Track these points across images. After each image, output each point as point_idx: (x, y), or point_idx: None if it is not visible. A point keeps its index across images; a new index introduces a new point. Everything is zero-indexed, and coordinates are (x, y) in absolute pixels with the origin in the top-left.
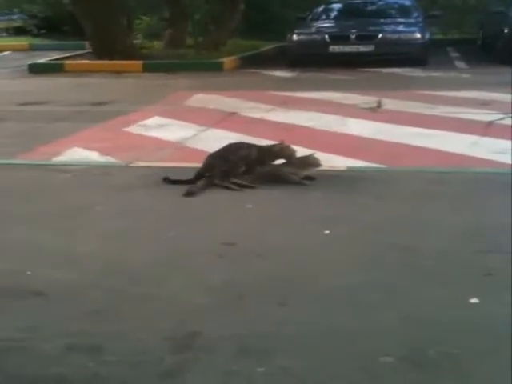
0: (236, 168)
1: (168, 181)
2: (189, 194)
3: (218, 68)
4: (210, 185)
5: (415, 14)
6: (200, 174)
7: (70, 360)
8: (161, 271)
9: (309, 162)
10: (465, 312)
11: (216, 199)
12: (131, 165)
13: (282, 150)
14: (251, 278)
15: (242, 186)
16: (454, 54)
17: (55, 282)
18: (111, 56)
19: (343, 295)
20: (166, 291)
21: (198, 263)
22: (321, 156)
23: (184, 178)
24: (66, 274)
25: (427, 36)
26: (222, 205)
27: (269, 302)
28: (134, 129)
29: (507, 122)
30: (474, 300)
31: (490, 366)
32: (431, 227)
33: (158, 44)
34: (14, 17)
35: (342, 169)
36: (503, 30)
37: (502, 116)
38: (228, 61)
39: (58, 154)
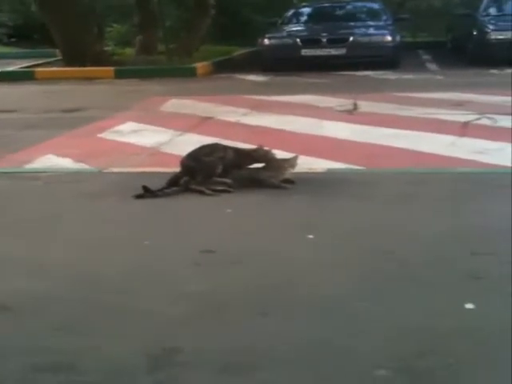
0: (213, 170)
1: (147, 191)
2: (140, 196)
3: (191, 73)
4: (186, 189)
5: (384, 17)
6: (176, 179)
7: (36, 381)
8: (135, 281)
9: (286, 164)
10: (458, 318)
11: (194, 204)
12: (105, 171)
13: (259, 154)
14: (231, 286)
15: (219, 191)
16: (425, 57)
17: (22, 295)
18: (82, 63)
19: (329, 303)
20: (141, 303)
21: (175, 272)
22: (299, 159)
23: (159, 182)
24: (33, 286)
25: (398, 39)
26: (200, 210)
27: (250, 313)
28: (107, 135)
29: (483, 122)
30: (468, 305)
31: (489, 375)
32: (415, 230)
33: (129, 51)
34: None
35: (321, 171)
36: (472, 33)
37: (477, 116)
38: (201, 66)
39: (28, 161)
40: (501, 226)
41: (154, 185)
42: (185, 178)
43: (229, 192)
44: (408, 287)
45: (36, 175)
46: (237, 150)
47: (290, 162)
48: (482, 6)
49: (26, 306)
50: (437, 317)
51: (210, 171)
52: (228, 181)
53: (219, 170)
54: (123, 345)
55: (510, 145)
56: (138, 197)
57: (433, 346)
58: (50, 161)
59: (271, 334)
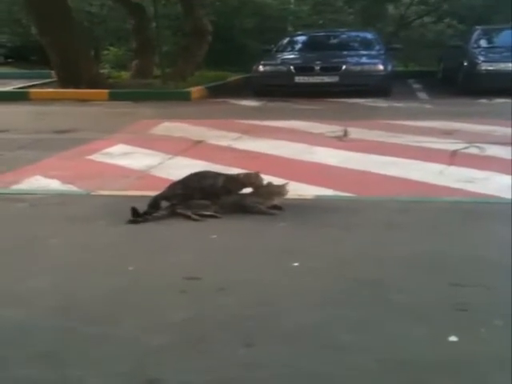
0: (195, 194)
1: (136, 214)
2: (132, 221)
3: (185, 97)
4: (172, 214)
5: (377, 47)
6: (157, 200)
7: None
8: (117, 309)
9: (276, 190)
10: (444, 351)
11: (180, 230)
12: (92, 193)
13: (248, 179)
14: (215, 315)
15: (205, 216)
16: (416, 86)
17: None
18: (77, 85)
19: (314, 334)
20: (124, 331)
21: (159, 300)
22: (288, 184)
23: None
24: (12, 313)
25: (389, 68)
26: (186, 236)
27: (234, 343)
28: (97, 157)
29: (472, 151)
30: (452, 338)
31: None
32: (402, 259)
33: (125, 74)
34: None
35: (309, 197)
36: (463, 63)
37: (466, 145)
38: (195, 90)
39: (16, 182)
40: (488, 256)
41: (141, 209)
42: (168, 202)
43: (216, 217)
44: (392, 317)
45: (22, 197)
46: (227, 176)
47: (281, 189)
48: (473, 38)
49: (2, 333)
50: (419, 349)
51: (190, 195)
52: (215, 213)
53: (199, 195)
54: (105, 376)
55: (496, 174)
56: (131, 222)
57: (415, 380)
58: (38, 182)
59: (255, 365)
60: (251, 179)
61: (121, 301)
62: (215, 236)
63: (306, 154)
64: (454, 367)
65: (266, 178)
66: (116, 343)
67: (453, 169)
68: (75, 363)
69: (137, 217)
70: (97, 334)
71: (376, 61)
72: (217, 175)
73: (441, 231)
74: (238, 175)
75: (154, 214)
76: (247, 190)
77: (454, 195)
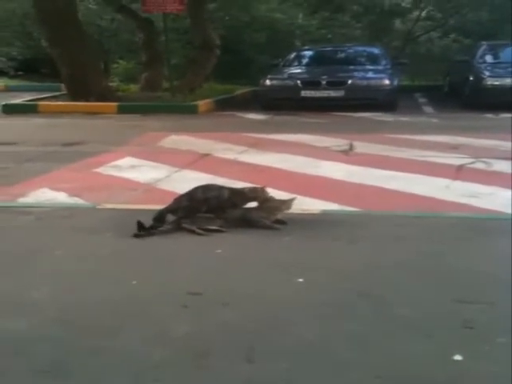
0: (200, 206)
1: (142, 228)
2: (137, 235)
3: (192, 111)
4: (178, 228)
5: (383, 62)
6: (162, 214)
7: None
8: (119, 321)
9: (280, 205)
10: (446, 369)
11: (185, 244)
12: (98, 207)
13: (253, 193)
14: (217, 330)
15: (210, 231)
16: (422, 100)
17: (1, 333)
18: (86, 98)
19: (316, 350)
20: (123, 344)
21: (162, 314)
22: (295, 199)
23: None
24: (13, 324)
25: (395, 82)
26: (191, 250)
27: (236, 358)
28: (104, 169)
29: (478, 166)
30: (457, 357)
31: None
32: (406, 275)
33: (134, 87)
34: None
35: (314, 212)
36: (468, 78)
37: (472, 160)
38: (203, 104)
39: (22, 194)
40: (492, 272)
41: (147, 222)
42: (174, 215)
43: (221, 232)
44: (395, 333)
45: (29, 210)
46: (232, 190)
47: (286, 204)
48: (479, 54)
49: (3, 345)
50: (422, 366)
51: (196, 208)
52: (219, 228)
53: (204, 207)
54: None
55: (502, 189)
56: (136, 236)
57: None
58: (45, 195)
59: (257, 381)
60: (257, 193)
61: (123, 313)
62: (220, 250)
63: (311, 167)
64: None
65: (272, 192)
66: (116, 356)
67: (458, 184)
68: (75, 375)
69: (142, 230)
70: (98, 346)
71: (382, 75)
72: (221, 188)
73: (446, 247)
74: (244, 189)
75: (160, 228)
76: (252, 204)
77: (459, 210)
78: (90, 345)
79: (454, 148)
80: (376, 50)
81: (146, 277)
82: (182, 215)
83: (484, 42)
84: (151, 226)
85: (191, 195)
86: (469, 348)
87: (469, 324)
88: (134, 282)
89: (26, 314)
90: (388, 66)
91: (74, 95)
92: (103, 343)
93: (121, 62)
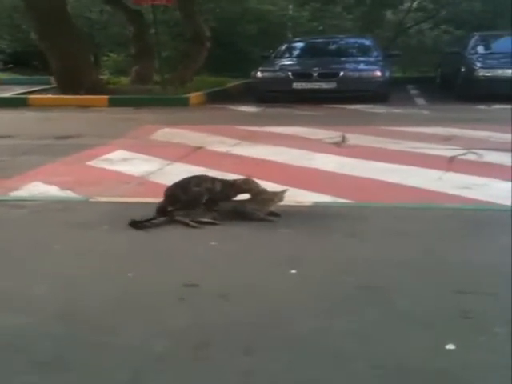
0: (198, 200)
1: (135, 224)
2: (134, 224)
3: (184, 103)
4: (171, 221)
5: (375, 53)
6: (162, 208)
7: None
8: (116, 316)
9: (273, 197)
10: (444, 359)
11: (179, 237)
12: (92, 200)
13: (246, 185)
14: (215, 322)
15: (204, 223)
16: (414, 92)
17: (2, 330)
18: (76, 91)
19: (313, 341)
20: (122, 338)
21: (158, 307)
22: (287, 191)
23: (145, 213)
24: (12, 320)
25: (387, 74)
26: (186, 243)
27: (234, 350)
28: (97, 163)
29: (470, 157)
30: (450, 346)
31: None
32: (402, 266)
33: (124, 80)
34: None
35: (308, 204)
36: (460, 69)
37: (464, 151)
38: (194, 96)
39: (16, 188)
40: (487, 263)
41: (140, 215)
42: (170, 208)
43: (214, 224)
44: (393, 324)
45: (22, 203)
46: (224, 182)
47: (279, 196)
48: (470, 45)
49: (2, 340)
50: (419, 356)
51: (196, 201)
52: (213, 220)
53: (203, 200)
54: (105, 382)
55: (495, 180)
56: (133, 225)
57: None
58: (38, 188)
59: (254, 373)
60: (249, 185)
61: (120, 308)
62: (214, 243)
63: (304, 159)
64: (454, 375)
65: (265, 184)
66: (115, 350)
67: (451, 175)
68: (75, 371)
69: (135, 226)
70: (96, 341)
71: (374, 67)
72: (214, 179)
73: (441, 238)
74: (235, 181)
75: (153, 221)
76: (243, 196)
77: (452, 202)
78: (90, 339)
79: (446, 139)
80: (368, 42)
81: (141, 269)
82: (181, 209)
83: (476, 33)
84: (147, 220)
85: (185, 188)
86: (465, 338)
87: (468, 314)
88: (130, 275)
89: (24, 310)
90: (380, 58)
91: (64, 88)
92: (102, 338)
93: (111, 54)
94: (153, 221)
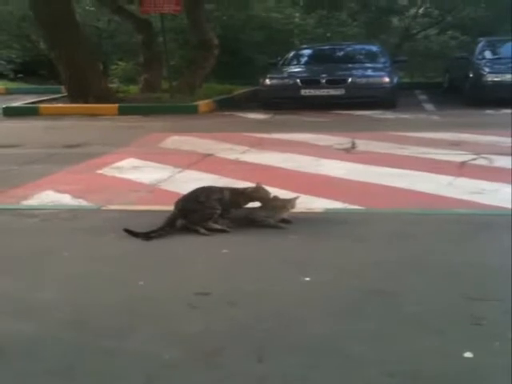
0: (214, 212)
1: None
2: (146, 236)
3: (193, 111)
4: (182, 229)
5: (383, 59)
6: (173, 220)
7: None
8: (128, 323)
9: (284, 204)
10: (456, 365)
11: (191, 244)
12: (103, 208)
13: (256, 193)
14: (226, 329)
15: (215, 231)
16: (422, 97)
17: (12, 335)
18: (86, 100)
19: (326, 347)
20: (133, 345)
21: (169, 314)
22: (298, 198)
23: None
24: (24, 326)
25: (395, 80)
26: (197, 250)
27: (246, 357)
28: (107, 171)
29: (480, 162)
30: (467, 354)
31: None
32: (413, 271)
33: (133, 88)
34: None
35: (318, 211)
36: (468, 75)
37: (474, 156)
38: (203, 104)
39: (27, 197)
40: (498, 268)
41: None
42: (181, 220)
43: (225, 232)
44: (404, 329)
45: (33, 212)
46: (232, 190)
47: (291, 203)
48: (478, 50)
49: (15, 347)
50: (436, 363)
51: (209, 215)
52: (225, 228)
53: (217, 213)
54: None
55: (505, 185)
56: (128, 232)
57: None
58: (49, 197)
59: (269, 378)
60: (259, 193)
61: (131, 314)
62: (226, 250)
63: (314, 166)
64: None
65: (275, 191)
66: (127, 357)
67: (461, 180)
68: (87, 376)
69: (135, 235)
70: (108, 348)
71: (382, 73)
72: (222, 189)
73: (453, 243)
74: (245, 189)
75: (160, 232)
76: (254, 204)
77: (463, 207)
78: (101, 346)
79: (455, 145)
80: (375, 48)
81: (152, 277)
82: (194, 223)
83: (483, 39)
84: (154, 231)
85: (196, 201)
86: (477, 343)
87: (476, 320)
88: (141, 283)
89: (36, 316)
90: (387, 64)
91: (74, 97)
92: (113, 344)
93: (120, 63)
94: (160, 231)
